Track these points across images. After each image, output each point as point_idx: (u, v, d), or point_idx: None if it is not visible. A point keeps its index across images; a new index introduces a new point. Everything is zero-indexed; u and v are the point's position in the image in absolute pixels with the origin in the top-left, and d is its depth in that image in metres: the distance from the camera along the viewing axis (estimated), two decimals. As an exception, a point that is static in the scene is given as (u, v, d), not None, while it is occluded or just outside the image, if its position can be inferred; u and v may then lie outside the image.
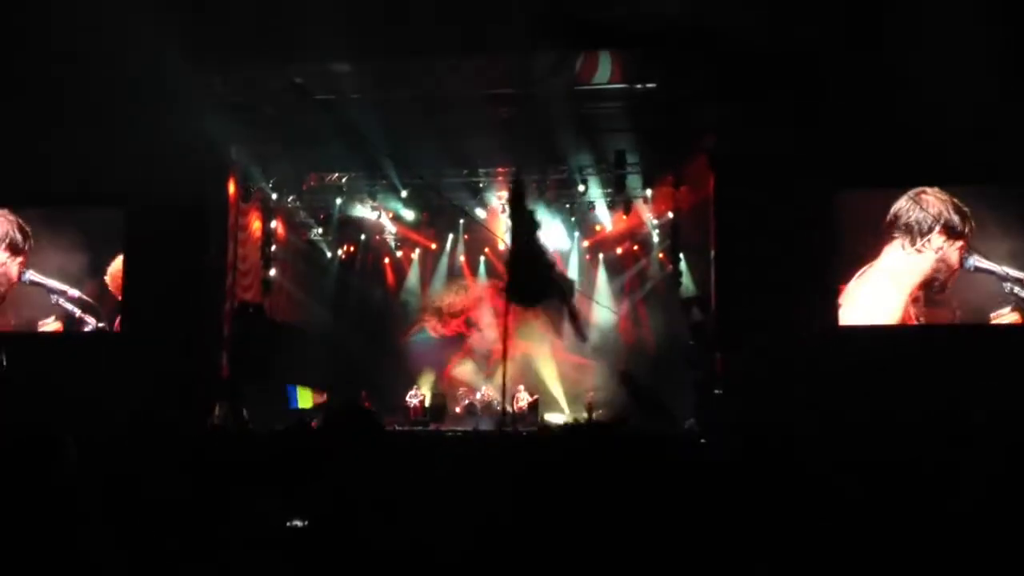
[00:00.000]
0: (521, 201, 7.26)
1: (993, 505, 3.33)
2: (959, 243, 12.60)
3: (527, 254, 6.44)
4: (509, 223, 7.74)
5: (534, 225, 6.76)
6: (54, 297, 13.93)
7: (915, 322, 12.75)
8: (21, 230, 14.08)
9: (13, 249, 14.08)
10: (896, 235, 12.73)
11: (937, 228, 12.63)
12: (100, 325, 13.80)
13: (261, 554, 2.70)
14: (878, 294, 12.79)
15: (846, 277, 12.84)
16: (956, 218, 12.61)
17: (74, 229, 14.00)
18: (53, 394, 10.91)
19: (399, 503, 2.74)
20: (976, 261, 12.53)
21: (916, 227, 12.70)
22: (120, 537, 3.02)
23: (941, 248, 12.65)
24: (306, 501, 2.76)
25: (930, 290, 12.68)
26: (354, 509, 2.64)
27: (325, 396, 15.65)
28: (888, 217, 12.76)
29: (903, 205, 12.74)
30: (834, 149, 12.09)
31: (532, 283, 6.41)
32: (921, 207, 12.70)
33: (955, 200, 12.63)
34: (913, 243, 12.69)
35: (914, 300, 12.70)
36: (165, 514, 3.15)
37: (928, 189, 12.67)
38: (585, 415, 15.69)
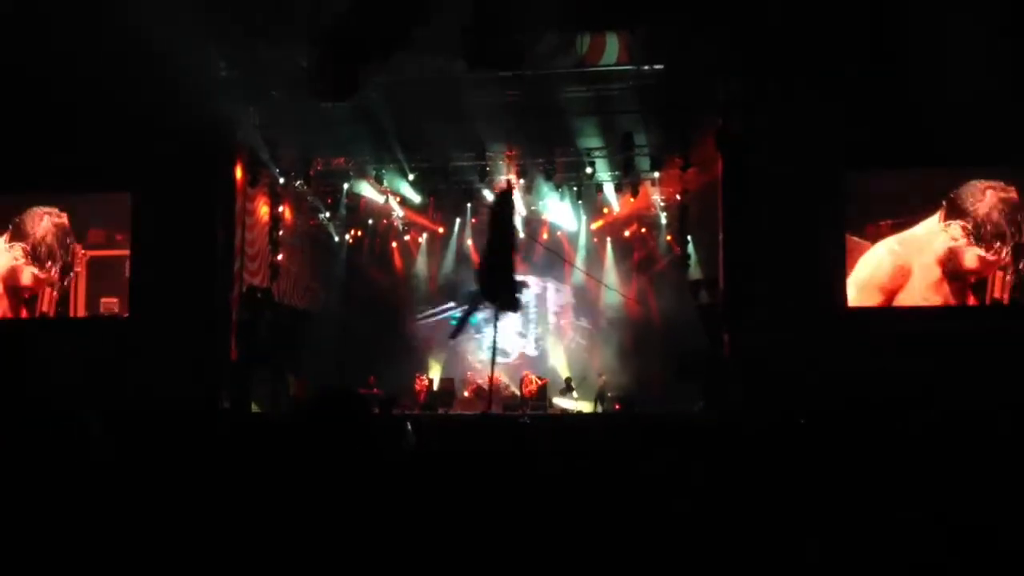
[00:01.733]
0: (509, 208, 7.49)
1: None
2: (976, 250, 12.49)
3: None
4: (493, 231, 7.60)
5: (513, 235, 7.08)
6: None
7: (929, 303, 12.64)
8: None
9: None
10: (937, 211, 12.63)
11: (964, 220, 12.55)
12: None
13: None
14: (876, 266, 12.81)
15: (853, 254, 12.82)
16: (988, 226, 12.48)
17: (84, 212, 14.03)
18: (66, 378, 11.01)
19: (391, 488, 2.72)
20: None
21: (960, 208, 12.58)
22: (137, 516, 3.02)
23: (956, 240, 12.56)
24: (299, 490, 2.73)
25: (945, 270, 12.59)
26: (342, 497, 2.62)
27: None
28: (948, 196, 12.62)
29: (970, 190, 12.58)
30: (843, 129, 12.01)
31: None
32: (978, 198, 12.55)
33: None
34: (945, 219, 12.60)
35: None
36: (178, 500, 3.14)
37: (995, 186, 12.53)
38: (596, 399, 15.69)
